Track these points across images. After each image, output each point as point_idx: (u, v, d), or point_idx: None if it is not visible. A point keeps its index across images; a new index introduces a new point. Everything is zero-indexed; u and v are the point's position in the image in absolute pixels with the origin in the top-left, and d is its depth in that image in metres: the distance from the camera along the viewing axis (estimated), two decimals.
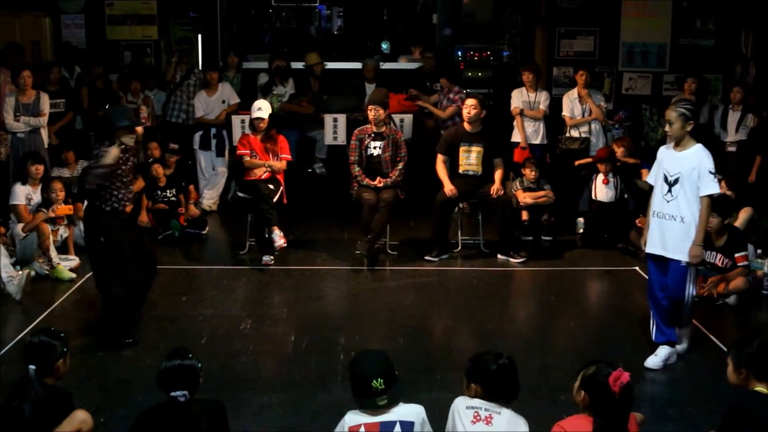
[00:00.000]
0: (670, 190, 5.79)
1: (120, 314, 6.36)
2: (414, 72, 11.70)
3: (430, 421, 4.13)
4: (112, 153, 6.28)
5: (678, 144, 5.81)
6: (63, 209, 8.12)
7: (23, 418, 4.00)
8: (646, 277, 7.84)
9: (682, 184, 5.72)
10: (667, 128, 5.84)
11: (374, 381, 3.83)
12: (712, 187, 5.67)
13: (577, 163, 9.64)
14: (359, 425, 3.81)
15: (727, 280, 7.23)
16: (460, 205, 9.22)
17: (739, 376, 4.08)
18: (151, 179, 9.41)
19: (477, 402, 3.88)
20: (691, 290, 5.90)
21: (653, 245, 5.96)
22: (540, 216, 9.33)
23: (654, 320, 6.04)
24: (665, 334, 5.97)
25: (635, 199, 9.26)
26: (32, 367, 4.14)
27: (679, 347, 6.09)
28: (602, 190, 9.09)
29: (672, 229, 5.81)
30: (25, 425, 4.00)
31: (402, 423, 3.81)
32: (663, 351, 5.95)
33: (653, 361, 5.93)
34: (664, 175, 5.83)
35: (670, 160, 5.84)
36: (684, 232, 5.75)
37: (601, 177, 9.10)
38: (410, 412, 3.88)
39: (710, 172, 5.66)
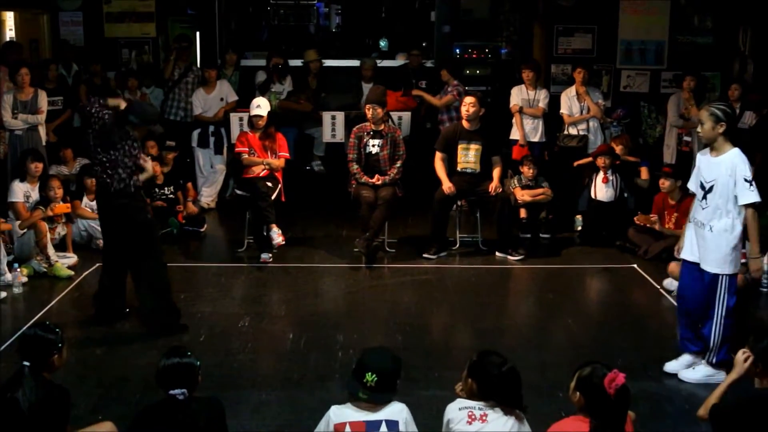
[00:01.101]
0: (705, 197, 5.60)
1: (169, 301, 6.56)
2: (400, 69, 11.69)
3: (427, 419, 4.15)
4: (149, 170, 6.64)
5: (713, 148, 5.56)
6: (60, 208, 8.12)
7: (18, 410, 3.97)
8: (645, 275, 7.92)
9: (716, 192, 5.51)
10: (699, 129, 5.64)
11: (369, 374, 3.83)
12: (750, 195, 5.39)
13: (576, 163, 9.61)
14: (344, 423, 3.82)
15: None
16: (459, 203, 9.22)
17: (754, 369, 4.02)
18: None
19: (469, 402, 3.88)
20: (725, 303, 5.60)
21: (687, 251, 5.79)
22: (538, 213, 9.32)
23: (678, 326, 5.94)
24: (687, 339, 5.86)
25: (635, 198, 9.25)
26: (26, 363, 4.12)
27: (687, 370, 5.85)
28: (602, 190, 9.06)
29: (703, 237, 5.62)
30: (21, 419, 3.98)
31: (388, 422, 3.82)
32: (683, 357, 5.84)
33: (671, 365, 5.84)
34: (701, 181, 5.63)
35: (706, 165, 5.62)
36: (714, 241, 5.56)
37: (600, 176, 9.07)
38: (395, 411, 3.88)
39: (745, 180, 5.38)
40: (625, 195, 9.17)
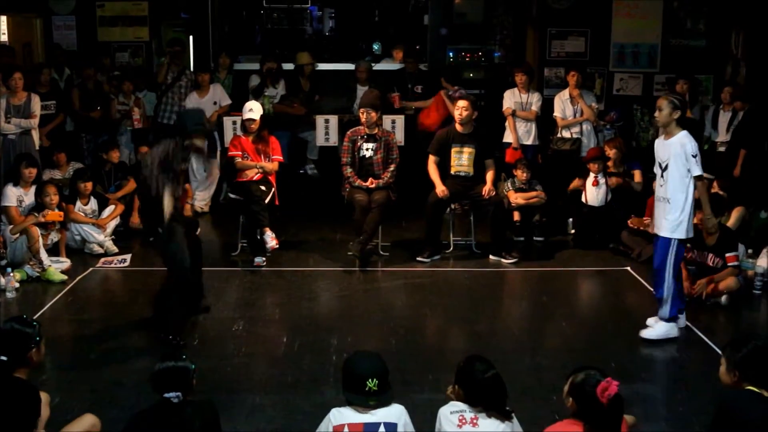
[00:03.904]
0: (662, 175, 6.34)
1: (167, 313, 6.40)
2: (397, 73, 11.69)
3: (422, 422, 4.15)
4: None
5: (666, 132, 6.32)
6: (53, 215, 8.09)
7: None
8: (638, 277, 7.95)
9: (670, 169, 6.24)
10: (656, 114, 6.34)
11: (369, 381, 3.85)
12: (694, 169, 6.17)
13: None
14: (343, 425, 3.84)
15: (717, 281, 7.24)
16: (452, 206, 9.22)
17: (732, 378, 4.06)
18: None
19: (461, 405, 3.89)
20: (671, 267, 6.30)
21: (656, 227, 6.55)
22: (532, 217, 9.34)
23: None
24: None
25: (623, 207, 9.14)
26: (3, 358, 4.05)
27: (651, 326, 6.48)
28: (592, 193, 9.06)
29: (661, 209, 6.36)
30: None
31: (386, 424, 3.84)
32: (660, 327, 6.44)
33: (647, 332, 6.43)
34: (659, 162, 6.38)
35: (660, 148, 6.40)
36: (668, 210, 6.27)
37: (590, 179, 9.05)
38: (393, 413, 3.90)
39: (692, 155, 6.16)
40: (613, 205, 9.11)
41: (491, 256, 8.56)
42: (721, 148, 9.74)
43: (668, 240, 6.29)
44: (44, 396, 4.38)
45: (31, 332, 4.15)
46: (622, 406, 3.60)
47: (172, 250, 6.37)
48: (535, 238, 9.30)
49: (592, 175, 9.05)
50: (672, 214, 6.24)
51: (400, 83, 11.16)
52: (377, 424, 3.82)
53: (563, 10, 11.57)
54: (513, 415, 3.91)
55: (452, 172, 8.55)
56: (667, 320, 6.39)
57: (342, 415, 3.87)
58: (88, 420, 4.38)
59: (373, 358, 4.04)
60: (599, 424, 3.55)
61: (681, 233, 6.26)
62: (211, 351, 6.20)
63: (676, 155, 6.18)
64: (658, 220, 6.46)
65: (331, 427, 3.85)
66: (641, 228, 8.55)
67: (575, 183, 9.30)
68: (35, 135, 9.30)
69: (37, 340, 4.17)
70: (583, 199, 9.13)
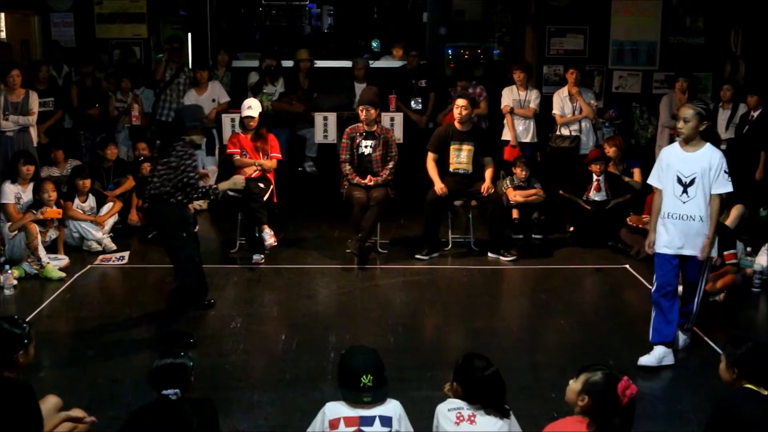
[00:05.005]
0: (685, 191, 5.81)
1: (179, 309, 6.39)
2: (398, 70, 11.67)
3: (420, 419, 4.14)
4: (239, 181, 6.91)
5: (688, 144, 5.82)
6: (51, 212, 8.08)
7: None
8: (637, 275, 7.92)
9: (698, 185, 5.77)
10: (680, 125, 5.80)
11: (364, 377, 3.86)
12: (726, 186, 5.78)
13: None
14: (339, 418, 3.84)
15: (716, 279, 7.24)
16: (455, 204, 9.22)
17: (731, 375, 4.07)
18: (141, 178, 9.37)
19: (458, 403, 3.89)
20: (702, 286, 6.07)
21: (667, 245, 5.91)
22: (530, 214, 9.33)
23: (654, 321, 5.99)
24: (662, 335, 5.93)
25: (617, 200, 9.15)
26: None
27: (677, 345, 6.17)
28: (593, 194, 9.06)
29: (691, 228, 5.82)
30: None
31: (381, 418, 3.85)
32: (659, 350, 5.90)
33: (647, 359, 5.88)
34: (677, 176, 5.83)
35: (681, 161, 5.84)
36: (699, 229, 5.81)
37: (593, 185, 9.03)
38: (389, 407, 3.91)
39: (725, 172, 5.74)
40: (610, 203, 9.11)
41: (490, 254, 8.55)
42: (722, 146, 9.71)
43: (701, 264, 5.94)
44: (55, 399, 4.34)
45: (19, 333, 3.98)
46: (635, 405, 3.60)
47: (186, 255, 6.43)
48: (533, 235, 9.29)
49: (594, 178, 9.04)
50: (707, 233, 5.83)
51: (403, 80, 11.13)
52: (372, 418, 3.83)
53: (562, 8, 11.56)
54: (511, 412, 3.91)
55: (451, 169, 8.54)
56: (686, 331, 6.23)
57: (338, 408, 3.88)
58: (51, 401, 4.30)
59: (368, 354, 4.04)
60: (612, 423, 3.53)
61: (715, 251, 6.10)
62: (209, 348, 6.19)
63: (708, 171, 5.75)
64: (683, 239, 5.85)
65: (327, 421, 3.85)
66: (640, 226, 8.53)
67: (568, 196, 9.31)
68: (33, 132, 9.29)
69: (25, 343, 4.00)
70: (585, 196, 9.11)
